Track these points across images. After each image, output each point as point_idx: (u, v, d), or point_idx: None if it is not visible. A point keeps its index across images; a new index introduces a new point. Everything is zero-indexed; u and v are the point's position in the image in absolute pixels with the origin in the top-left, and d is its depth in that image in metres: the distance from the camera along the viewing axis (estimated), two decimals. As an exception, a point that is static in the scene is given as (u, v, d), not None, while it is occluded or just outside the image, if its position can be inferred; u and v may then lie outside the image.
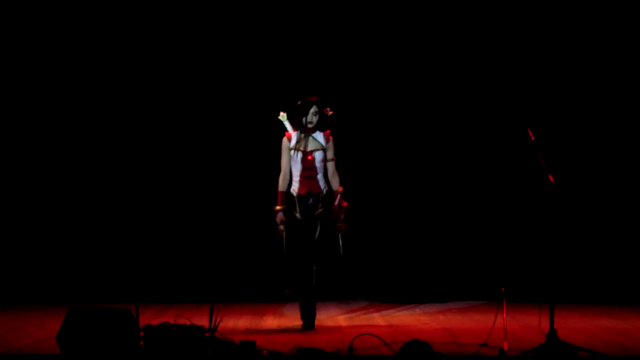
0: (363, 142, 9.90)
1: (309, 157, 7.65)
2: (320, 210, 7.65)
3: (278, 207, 7.67)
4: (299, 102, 7.70)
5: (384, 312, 8.89)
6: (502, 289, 6.57)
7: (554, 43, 9.84)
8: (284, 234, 7.66)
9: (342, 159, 9.70)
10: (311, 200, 7.66)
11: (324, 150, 7.69)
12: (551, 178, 6.50)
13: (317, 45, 9.85)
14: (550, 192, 6.51)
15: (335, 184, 7.73)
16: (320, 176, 7.69)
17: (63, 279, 9.73)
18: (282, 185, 7.69)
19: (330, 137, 7.74)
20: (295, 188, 7.69)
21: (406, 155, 9.93)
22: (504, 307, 6.51)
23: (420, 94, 9.93)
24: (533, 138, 6.71)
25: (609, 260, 9.76)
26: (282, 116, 7.84)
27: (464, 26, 9.86)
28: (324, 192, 7.69)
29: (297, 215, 7.67)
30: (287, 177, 7.69)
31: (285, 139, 7.73)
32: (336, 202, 7.67)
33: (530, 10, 9.82)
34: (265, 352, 6.38)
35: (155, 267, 9.72)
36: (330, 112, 7.76)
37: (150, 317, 7.67)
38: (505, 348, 6.33)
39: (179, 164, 9.86)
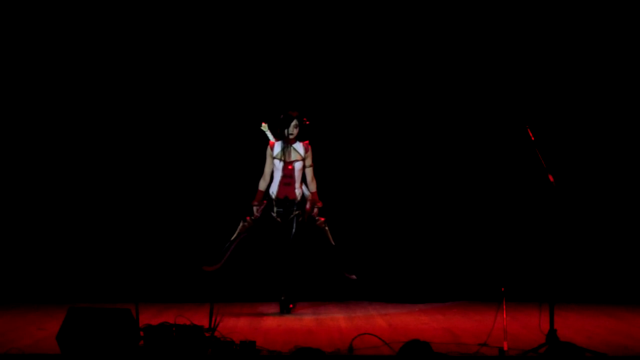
0: (364, 142, 9.91)
1: (289, 167, 8.60)
2: (296, 212, 8.57)
3: (255, 202, 8.66)
4: (282, 116, 8.57)
5: (383, 312, 8.89)
6: (502, 289, 6.57)
7: (554, 43, 9.84)
8: (247, 225, 8.61)
9: (343, 159, 9.78)
10: (288, 204, 8.58)
11: (303, 159, 8.61)
12: (551, 178, 6.51)
13: (312, 42, 9.87)
14: (550, 192, 6.51)
15: (313, 187, 8.69)
16: (297, 184, 8.62)
17: (63, 279, 9.73)
18: (261, 185, 8.72)
19: (309, 147, 8.64)
20: (274, 191, 8.65)
21: (406, 155, 9.93)
22: (504, 307, 6.51)
23: (421, 94, 9.93)
24: (533, 138, 6.72)
25: (609, 260, 9.76)
26: (264, 127, 8.80)
27: (463, 26, 9.86)
28: (299, 198, 8.62)
29: (274, 214, 8.61)
30: (267, 179, 8.70)
31: (269, 147, 8.65)
32: (308, 205, 8.60)
33: (530, 10, 9.82)
34: (265, 352, 6.38)
35: (155, 267, 9.72)
36: (307, 122, 8.61)
37: (150, 317, 7.67)
38: (505, 348, 6.34)
39: (177, 164, 9.86)
